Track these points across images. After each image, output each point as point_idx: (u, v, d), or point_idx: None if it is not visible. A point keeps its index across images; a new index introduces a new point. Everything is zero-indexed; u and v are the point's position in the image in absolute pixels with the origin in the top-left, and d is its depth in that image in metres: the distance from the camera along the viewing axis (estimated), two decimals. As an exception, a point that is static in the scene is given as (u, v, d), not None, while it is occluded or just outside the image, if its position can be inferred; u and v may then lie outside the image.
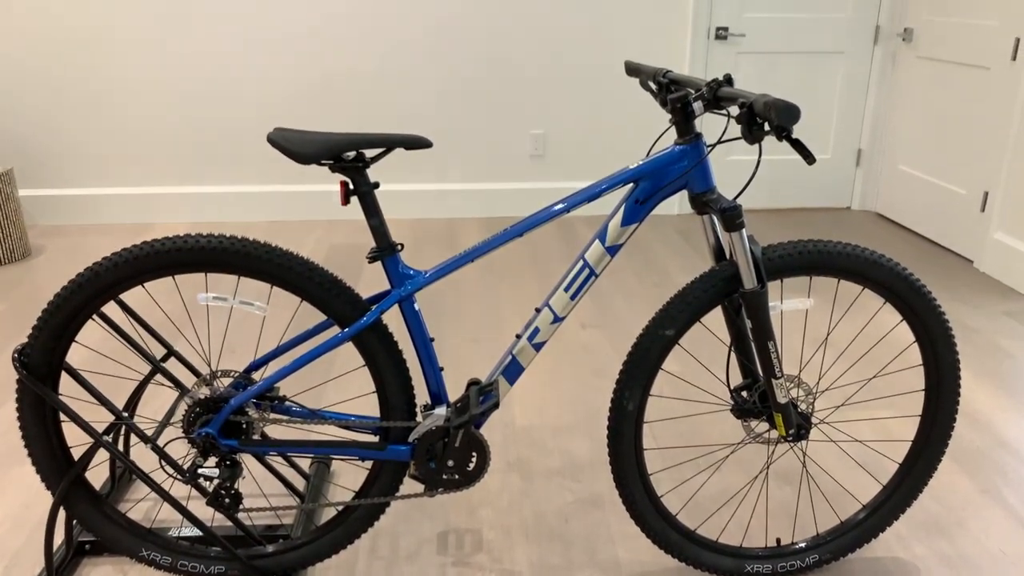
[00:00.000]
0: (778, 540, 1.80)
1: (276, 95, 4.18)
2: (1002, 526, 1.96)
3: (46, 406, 1.56)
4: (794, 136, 1.24)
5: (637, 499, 1.68)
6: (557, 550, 1.89)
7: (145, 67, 4.09)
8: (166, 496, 1.61)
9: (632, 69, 1.72)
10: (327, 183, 4.36)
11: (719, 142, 1.51)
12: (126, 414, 1.66)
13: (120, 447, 1.92)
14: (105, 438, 1.59)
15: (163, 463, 1.60)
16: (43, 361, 1.52)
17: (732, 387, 1.70)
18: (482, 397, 1.59)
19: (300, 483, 2.09)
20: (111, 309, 3.08)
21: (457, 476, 1.62)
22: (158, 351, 2.65)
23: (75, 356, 2.72)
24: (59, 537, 1.82)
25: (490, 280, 3.53)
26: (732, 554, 1.76)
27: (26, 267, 3.72)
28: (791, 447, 2.22)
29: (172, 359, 1.95)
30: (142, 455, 2.13)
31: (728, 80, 1.43)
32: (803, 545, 1.78)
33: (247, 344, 2.90)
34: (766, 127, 1.28)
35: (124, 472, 2.05)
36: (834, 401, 2.48)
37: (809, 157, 1.24)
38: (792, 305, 1.62)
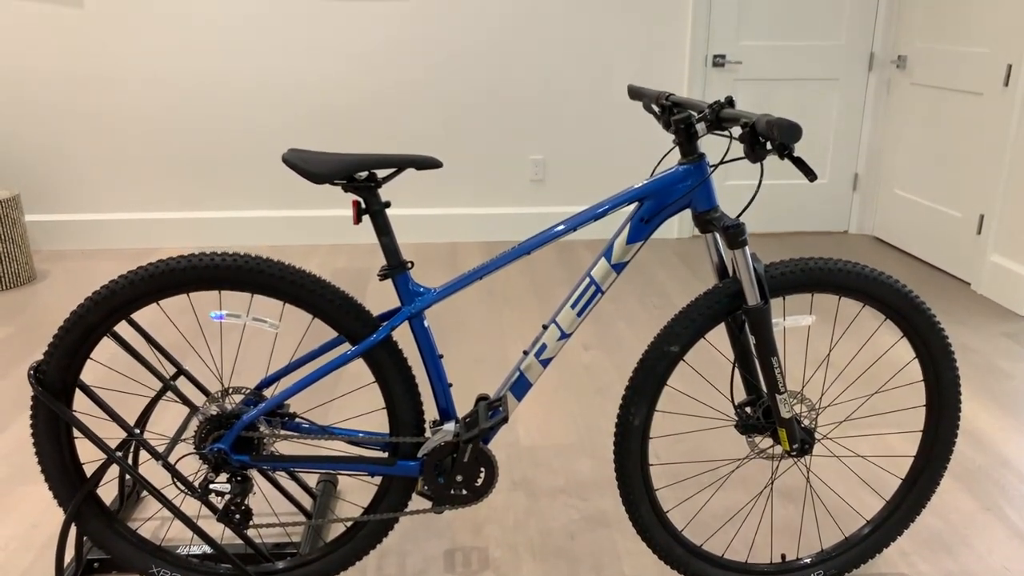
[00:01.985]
0: (783, 556, 1.81)
1: (279, 122, 4.24)
2: (1005, 543, 1.98)
3: (60, 423, 1.58)
4: (796, 155, 1.28)
5: (643, 514, 1.69)
6: (563, 567, 1.90)
7: (148, 96, 4.14)
8: (178, 513, 1.62)
9: (635, 93, 1.77)
10: (329, 208, 4.41)
11: (723, 162, 1.54)
12: (138, 431, 1.67)
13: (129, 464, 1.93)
14: (118, 455, 1.60)
15: (175, 480, 1.62)
16: (58, 378, 1.54)
17: (736, 403, 1.72)
18: (490, 412, 1.62)
19: (308, 502, 2.10)
20: (122, 328, 3.11)
21: (465, 491, 1.64)
22: (166, 369, 2.68)
23: (87, 374, 2.74)
24: (69, 554, 1.82)
25: (493, 303, 3.56)
26: (738, 570, 1.77)
27: (32, 291, 3.75)
28: (795, 462, 2.24)
29: (182, 377, 1.97)
30: (151, 472, 2.14)
31: (730, 102, 1.47)
32: (808, 561, 1.80)
33: (260, 361, 2.92)
34: (768, 146, 1.32)
35: (133, 490, 2.06)
36: (837, 418, 2.51)
37: (811, 174, 1.28)
38: (794, 321, 1.65)
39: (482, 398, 1.65)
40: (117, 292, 1.50)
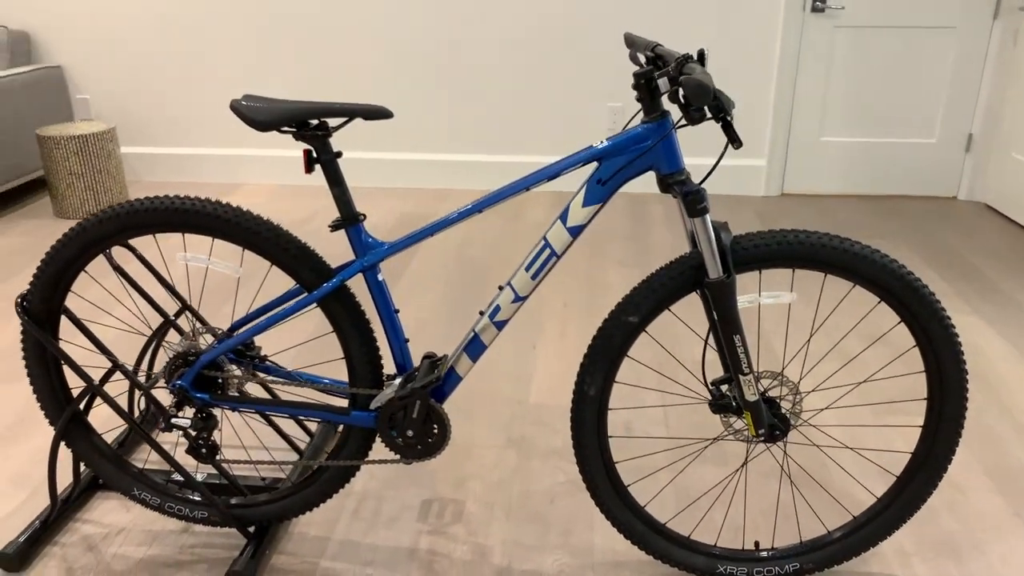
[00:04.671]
0: (756, 543, 1.71)
1: (368, 64, 4.27)
2: (1026, 555, 1.79)
3: (46, 349, 1.68)
4: (730, 118, 1.16)
5: (600, 486, 1.64)
6: (534, 531, 1.87)
7: (233, 38, 4.27)
8: (150, 440, 1.71)
9: (629, 41, 1.65)
10: (410, 152, 4.44)
11: (680, 125, 1.42)
12: (124, 362, 1.76)
13: (130, 403, 2.03)
14: (95, 382, 1.70)
15: (150, 409, 1.69)
16: (42, 308, 1.64)
17: (711, 381, 1.62)
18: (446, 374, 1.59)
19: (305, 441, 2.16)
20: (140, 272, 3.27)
21: (419, 446, 1.64)
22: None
23: (103, 316, 2.91)
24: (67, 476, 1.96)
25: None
26: (704, 552, 1.69)
27: (121, 219, 4.01)
28: (766, 448, 2.10)
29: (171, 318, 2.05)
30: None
31: (700, 56, 1.35)
32: (783, 551, 1.69)
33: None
34: (707, 109, 1.20)
35: (143, 421, 2.17)
36: (832, 403, 2.33)
37: (736, 141, 1.15)
38: (771, 299, 1.52)
39: (427, 356, 1.63)
40: (88, 229, 1.57)
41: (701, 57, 1.35)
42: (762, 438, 1.54)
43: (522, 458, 2.13)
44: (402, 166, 4.45)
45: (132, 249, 1.91)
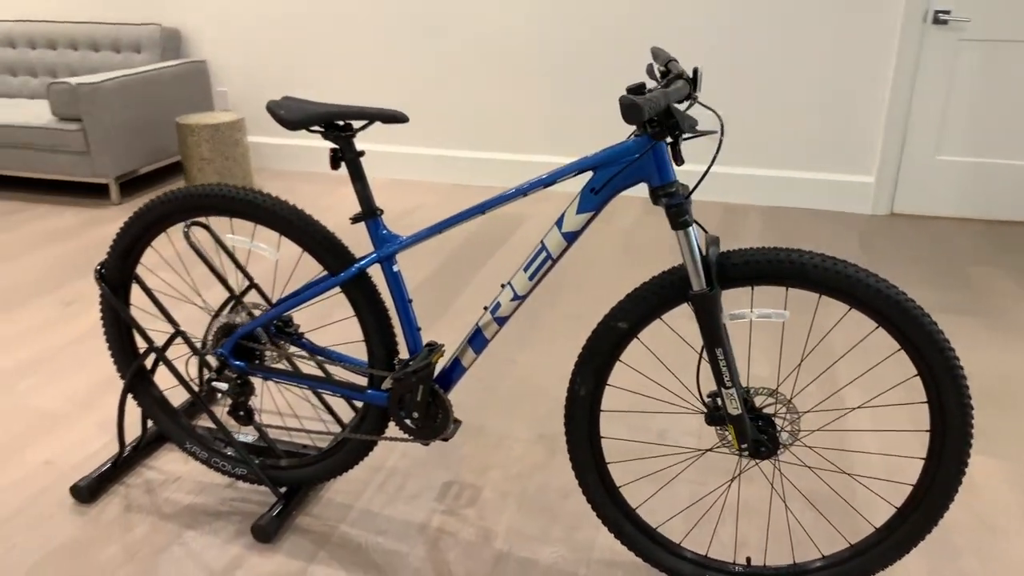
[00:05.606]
0: (748, 559, 1.71)
1: (481, 65, 4.45)
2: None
3: (118, 312, 1.92)
4: (682, 139, 1.19)
5: (591, 486, 1.69)
6: (540, 523, 1.95)
7: (357, 36, 4.55)
8: (197, 397, 1.92)
9: (653, 55, 1.69)
10: (517, 152, 4.57)
11: (689, 138, 1.45)
12: (183, 328, 1.98)
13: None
14: (156, 344, 1.93)
15: (201, 372, 1.90)
16: (116, 276, 1.88)
17: (706, 393, 1.64)
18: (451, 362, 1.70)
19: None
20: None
21: (424, 429, 1.75)
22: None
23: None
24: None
25: (585, 268, 3.54)
26: (693, 560, 1.71)
27: (243, 203, 4.37)
28: (754, 463, 2.08)
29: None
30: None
31: (694, 76, 1.39)
32: (776, 570, 1.68)
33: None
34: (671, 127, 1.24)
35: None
36: (833, 425, 2.25)
37: (676, 159, 1.18)
38: (763, 315, 1.52)
39: (428, 344, 1.74)
40: (152, 209, 1.79)
41: (694, 77, 1.38)
42: (746, 452, 1.55)
43: (547, 454, 2.21)
44: (478, 164, 4.59)
45: (208, 229, 2.13)
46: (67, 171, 4.31)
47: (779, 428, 1.58)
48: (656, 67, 1.60)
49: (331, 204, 4.35)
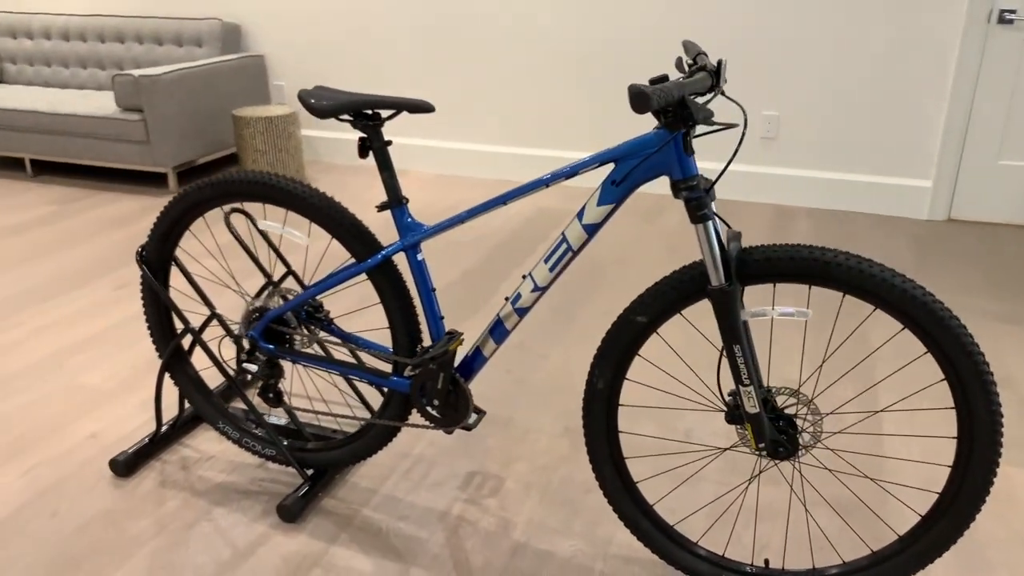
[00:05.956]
0: (766, 561, 1.68)
1: (527, 63, 4.46)
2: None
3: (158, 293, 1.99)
4: (696, 132, 1.18)
5: (607, 479, 1.69)
6: (561, 516, 1.95)
7: (409, 34, 4.60)
8: (230, 378, 1.97)
9: (684, 48, 1.68)
10: (563, 149, 4.57)
11: (710, 132, 1.44)
12: (218, 311, 2.04)
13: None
14: (192, 325, 1.99)
15: (239, 354, 1.95)
16: (155, 258, 1.95)
17: (728, 392, 1.62)
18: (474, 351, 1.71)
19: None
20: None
21: (443, 417, 1.77)
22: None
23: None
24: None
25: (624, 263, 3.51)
26: (709, 560, 1.69)
27: (294, 194, 4.47)
28: (773, 464, 2.04)
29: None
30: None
31: (717, 67, 1.37)
32: (792, 574, 1.65)
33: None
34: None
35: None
36: (866, 427, 2.18)
37: (687, 148, 1.17)
38: (785, 313, 1.50)
39: (448, 333, 1.76)
40: (190, 194, 1.84)
41: (718, 68, 1.37)
42: (763, 452, 1.53)
43: (573, 448, 2.21)
44: (523, 160, 4.59)
45: (248, 216, 2.19)
46: (129, 160, 4.47)
47: (801, 429, 1.55)
48: (685, 60, 1.59)
49: (378, 196, 4.41)
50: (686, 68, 1.58)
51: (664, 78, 1.41)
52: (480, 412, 1.91)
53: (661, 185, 4.43)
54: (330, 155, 5.08)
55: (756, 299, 2.94)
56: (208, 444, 2.22)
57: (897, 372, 2.53)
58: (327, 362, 1.87)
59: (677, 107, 1.23)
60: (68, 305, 3.09)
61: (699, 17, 4.07)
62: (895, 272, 1.41)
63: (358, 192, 4.50)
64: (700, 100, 1.60)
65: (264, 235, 2.22)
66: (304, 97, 1.64)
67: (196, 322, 2.06)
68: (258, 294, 2.29)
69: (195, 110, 4.50)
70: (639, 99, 1.14)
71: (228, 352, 2.65)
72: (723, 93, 1.42)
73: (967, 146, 3.88)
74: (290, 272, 2.29)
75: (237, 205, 3.11)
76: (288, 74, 4.99)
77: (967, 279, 3.30)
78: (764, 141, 4.20)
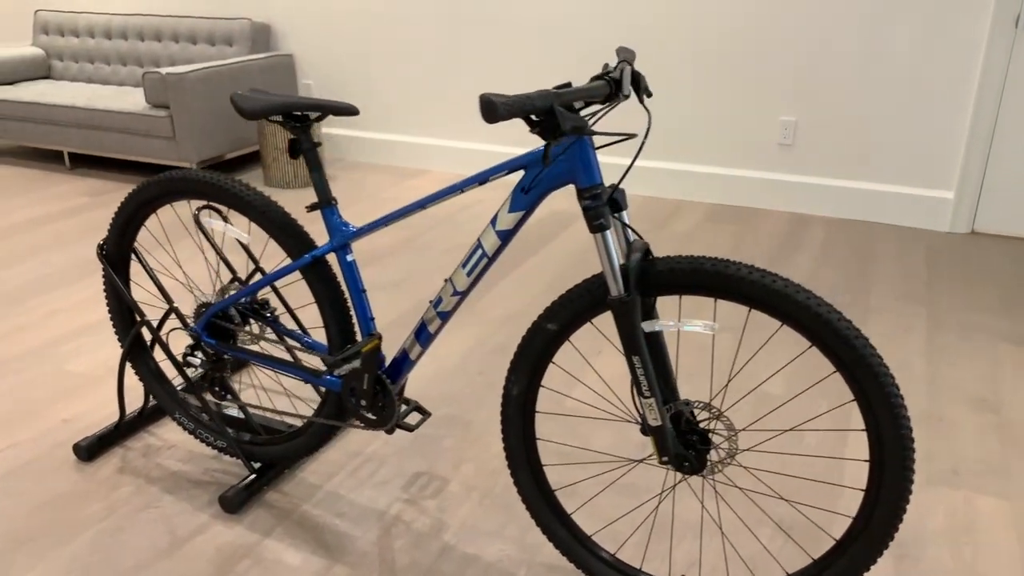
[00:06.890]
0: (683, 578, 1.66)
1: (546, 60, 4.46)
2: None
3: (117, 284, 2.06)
4: (555, 139, 1.18)
5: (524, 485, 1.68)
6: (497, 520, 1.95)
7: (431, 33, 4.64)
8: (180, 370, 2.03)
9: (617, 53, 1.66)
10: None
11: (609, 144, 1.42)
12: (176, 304, 2.10)
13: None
14: (146, 317, 2.05)
15: (196, 346, 2.01)
16: (115, 252, 2.02)
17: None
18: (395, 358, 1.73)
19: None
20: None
21: (372, 417, 1.79)
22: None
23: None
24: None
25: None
26: (623, 572, 1.66)
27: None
28: (682, 479, 1.99)
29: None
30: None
31: (616, 77, 1.35)
32: (708, 593, 1.62)
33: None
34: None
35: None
36: (781, 447, 2.09)
37: (544, 159, 1.16)
38: (692, 327, 1.47)
39: (370, 334, 1.77)
40: (140, 191, 1.90)
41: (620, 77, 1.35)
42: (668, 466, 1.50)
43: (526, 453, 2.20)
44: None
45: (220, 212, 2.24)
46: (157, 155, 4.63)
47: (714, 445, 1.52)
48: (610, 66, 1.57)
49: (395, 195, 4.46)
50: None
51: (567, 85, 1.40)
52: (425, 413, 1.92)
53: (662, 190, 4.37)
54: (352, 153, 5.16)
55: (687, 312, 2.88)
56: (172, 433, 2.29)
57: (814, 387, 2.47)
58: (264, 359, 1.91)
59: (548, 116, 1.22)
60: (77, 294, 3.22)
61: (714, 18, 4.00)
62: (800, 288, 1.37)
63: (375, 191, 4.57)
64: (598, 108, 1.56)
65: (205, 233, 2.27)
66: (235, 100, 1.68)
67: (160, 316, 2.12)
68: (222, 290, 2.36)
69: (220, 108, 4.62)
70: (486, 108, 1.13)
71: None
72: (641, 101, 1.40)
73: (992, 156, 3.72)
74: (230, 270, 2.34)
75: (210, 204, 3.18)
76: (316, 73, 5.09)
77: (981, 296, 3.16)
78: (781, 147, 4.10)
